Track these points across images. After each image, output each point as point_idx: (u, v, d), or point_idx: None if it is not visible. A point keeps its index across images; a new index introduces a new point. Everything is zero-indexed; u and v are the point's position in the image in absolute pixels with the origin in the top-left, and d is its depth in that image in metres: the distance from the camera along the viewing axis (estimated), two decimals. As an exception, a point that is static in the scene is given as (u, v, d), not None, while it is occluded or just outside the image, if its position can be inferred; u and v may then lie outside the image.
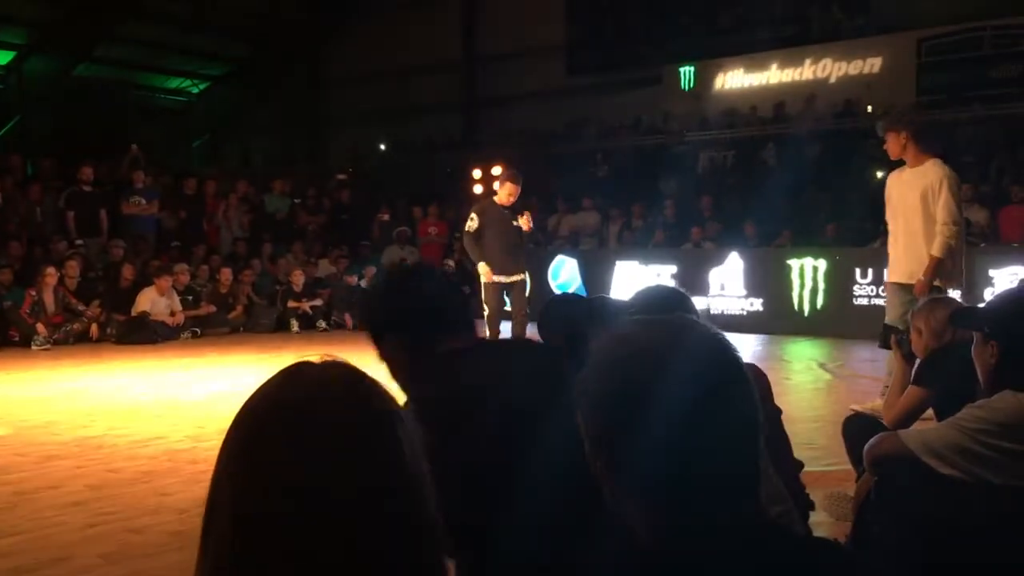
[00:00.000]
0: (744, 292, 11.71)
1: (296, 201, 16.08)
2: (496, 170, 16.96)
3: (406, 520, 0.95)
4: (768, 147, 14.94)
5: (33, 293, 10.76)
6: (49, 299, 10.91)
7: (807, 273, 11.23)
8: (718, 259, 12.05)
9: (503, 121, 18.29)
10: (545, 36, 18.07)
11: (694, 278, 11.79)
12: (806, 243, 12.12)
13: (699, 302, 11.33)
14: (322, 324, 12.75)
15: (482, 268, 8.02)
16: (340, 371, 1.01)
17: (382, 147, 20.13)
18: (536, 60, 18.03)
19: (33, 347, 10.38)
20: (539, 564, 1.54)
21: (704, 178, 15.34)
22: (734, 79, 16.87)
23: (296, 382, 0.99)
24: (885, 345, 4.11)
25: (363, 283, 13.56)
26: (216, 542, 0.94)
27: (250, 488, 0.93)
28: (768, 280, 11.55)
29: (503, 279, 8.06)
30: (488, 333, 7.92)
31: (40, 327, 10.57)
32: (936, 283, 5.58)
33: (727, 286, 11.81)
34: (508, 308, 8.22)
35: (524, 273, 8.29)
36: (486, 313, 8.04)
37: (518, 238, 8.13)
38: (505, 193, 8.12)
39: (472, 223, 8.08)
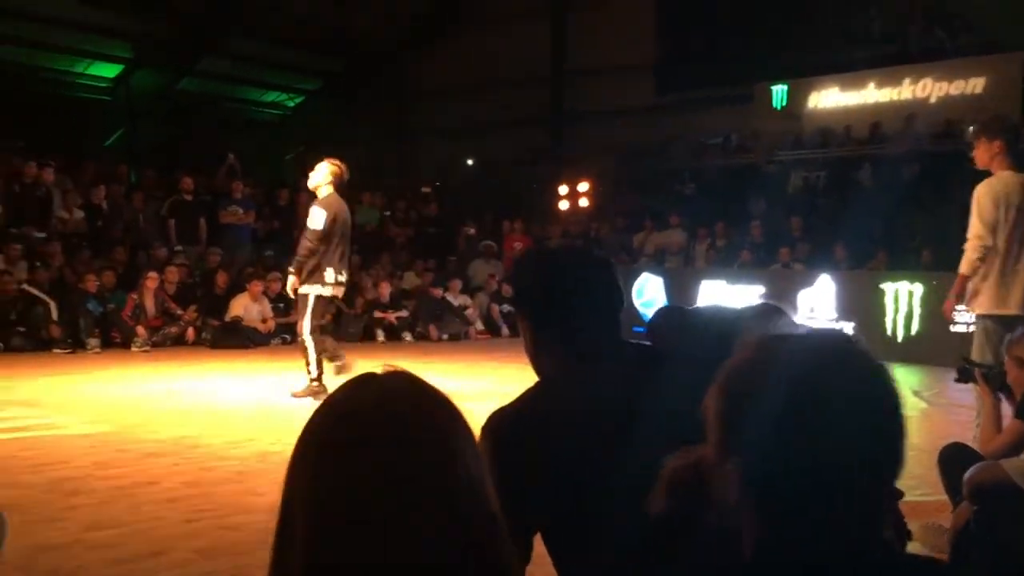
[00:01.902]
0: (835, 315, 11.44)
1: (385, 213, 16.37)
2: (583, 186, 17.06)
3: (466, 529, 0.99)
4: (863, 167, 14.59)
5: (135, 297, 11.19)
6: (149, 303, 11.34)
7: (902, 297, 10.91)
8: (808, 281, 11.80)
9: (590, 137, 18.28)
10: (635, 52, 18.02)
11: (782, 300, 11.56)
12: (901, 266, 11.79)
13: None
14: (407, 336, 12.93)
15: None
16: (405, 383, 1.06)
17: (469, 162, 20.34)
18: (625, 76, 17.99)
19: (133, 349, 10.80)
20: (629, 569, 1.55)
21: (794, 198, 15.06)
22: (829, 98, 16.54)
23: (361, 394, 1.04)
24: (964, 380, 3.91)
25: (448, 296, 13.72)
26: (291, 544, 1.00)
27: (318, 495, 0.99)
28: (860, 304, 11.26)
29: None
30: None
31: (140, 330, 10.99)
32: (962, 307, 5.34)
33: (817, 309, 11.56)
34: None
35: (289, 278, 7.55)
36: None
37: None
38: None
39: None
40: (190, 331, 11.59)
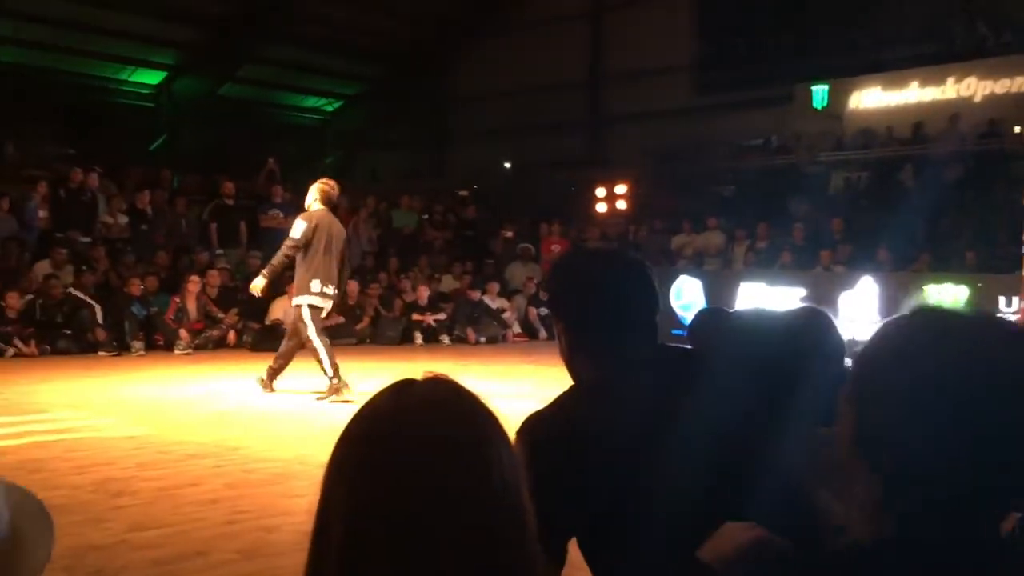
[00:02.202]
0: (878, 318, 11.27)
1: (423, 216, 16.45)
2: (620, 188, 17.00)
3: (502, 537, 0.99)
4: (905, 168, 14.39)
5: (177, 300, 11.36)
6: (192, 306, 11.50)
7: (946, 300, 10.74)
8: (849, 283, 11.65)
9: (628, 139, 18.23)
10: (673, 54, 17.94)
11: (823, 302, 11.38)
12: (945, 268, 11.60)
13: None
14: (445, 339, 12.98)
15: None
16: (445, 389, 1.05)
17: (507, 164, 20.38)
18: (663, 78, 17.91)
19: (176, 351, 10.95)
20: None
21: (836, 199, 14.90)
22: (870, 97, 16.32)
23: (399, 401, 1.04)
24: None
25: (486, 299, 13.75)
26: (327, 551, 1.00)
27: (354, 502, 0.99)
28: (904, 306, 11.09)
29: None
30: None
31: (183, 333, 11.14)
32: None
33: (859, 311, 11.40)
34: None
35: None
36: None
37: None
38: None
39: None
40: (231, 334, 11.72)
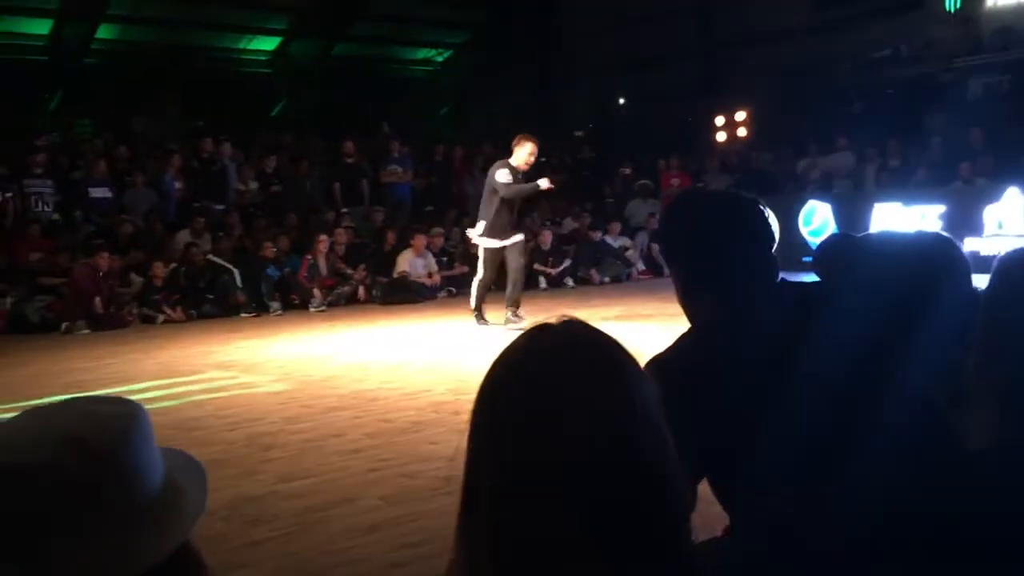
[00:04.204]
0: (1026, 230, 10.61)
1: (541, 160, 16.36)
2: (740, 115, 16.47)
3: (648, 470, 0.99)
4: (1052, 67, 13.36)
5: (309, 259, 11.75)
6: (323, 264, 11.88)
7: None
8: (993, 195, 10.98)
9: (745, 64, 17.56)
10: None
11: (965, 218, 10.82)
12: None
13: (972, 244, 10.36)
14: (569, 281, 12.98)
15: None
16: (580, 330, 1.07)
17: (621, 100, 20.00)
18: (780, -5, 17.11)
19: (311, 309, 11.36)
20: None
21: (975, 108, 13.98)
22: (1009, -7, 15.16)
23: (538, 341, 1.05)
24: None
25: (607, 239, 13.65)
26: (479, 490, 1.02)
27: (502, 440, 1.00)
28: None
29: (501, 243, 8.68)
30: (479, 294, 8.75)
31: (316, 292, 11.54)
32: None
33: (1006, 224, 10.75)
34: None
35: (519, 234, 8.97)
36: (481, 277, 8.75)
37: (520, 204, 8.91)
38: (526, 156, 8.64)
39: (510, 178, 8.66)
40: (361, 290, 12.06)
